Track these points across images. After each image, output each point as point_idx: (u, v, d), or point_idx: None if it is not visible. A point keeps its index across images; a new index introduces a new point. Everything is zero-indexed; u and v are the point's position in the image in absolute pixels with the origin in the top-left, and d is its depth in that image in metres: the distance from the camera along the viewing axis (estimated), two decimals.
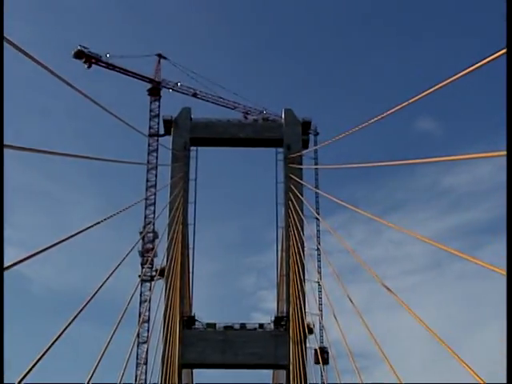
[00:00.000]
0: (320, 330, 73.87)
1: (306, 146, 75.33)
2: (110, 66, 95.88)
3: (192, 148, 74.02)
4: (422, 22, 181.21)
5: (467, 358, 24.41)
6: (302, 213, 66.71)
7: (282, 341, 67.02)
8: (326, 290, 55.26)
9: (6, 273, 20.04)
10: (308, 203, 66.63)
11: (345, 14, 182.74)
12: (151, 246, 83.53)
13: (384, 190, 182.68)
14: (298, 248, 64.99)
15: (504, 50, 18.17)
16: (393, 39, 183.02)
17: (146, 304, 78.70)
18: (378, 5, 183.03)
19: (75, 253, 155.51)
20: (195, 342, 67.16)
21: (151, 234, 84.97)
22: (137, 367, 77.59)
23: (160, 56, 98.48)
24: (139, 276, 77.33)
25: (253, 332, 68.66)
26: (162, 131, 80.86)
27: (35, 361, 23.13)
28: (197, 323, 69.04)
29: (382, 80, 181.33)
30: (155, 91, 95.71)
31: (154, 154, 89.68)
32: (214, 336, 67.78)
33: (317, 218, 69.24)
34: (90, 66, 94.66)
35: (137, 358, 78.88)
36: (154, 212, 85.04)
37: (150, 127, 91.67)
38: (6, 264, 20.37)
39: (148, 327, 78.25)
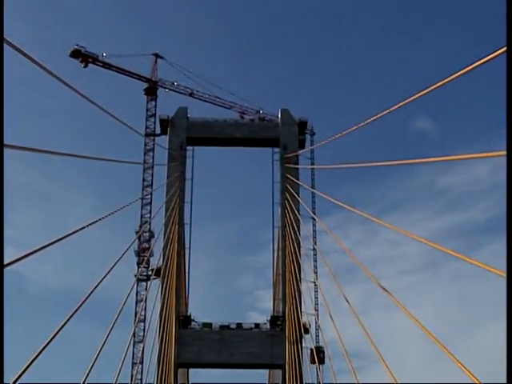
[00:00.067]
0: (316, 329, 73.93)
1: (302, 146, 75.46)
2: (107, 66, 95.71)
3: (188, 148, 74.16)
4: (422, 22, 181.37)
5: (463, 358, 24.47)
6: (299, 212, 66.76)
7: (277, 340, 67.05)
8: (322, 289, 55.25)
9: None
10: (304, 203, 66.73)
11: (344, 14, 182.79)
12: (147, 246, 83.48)
13: (381, 189, 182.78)
14: (294, 248, 65.04)
15: (502, 50, 18.17)
16: (393, 39, 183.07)
17: (142, 303, 78.49)
18: (378, 5, 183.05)
19: (72, 252, 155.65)
20: (191, 342, 67.20)
21: (147, 234, 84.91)
22: (132, 367, 77.47)
23: (157, 55, 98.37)
24: (135, 275, 77.21)
25: (249, 332, 68.70)
26: (158, 131, 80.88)
27: (30, 360, 23.13)
28: (193, 323, 69.04)
29: (381, 80, 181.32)
30: (152, 91, 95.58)
31: (151, 154, 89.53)
32: (210, 335, 67.82)
33: (313, 218, 69.23)
34: (86, 66, 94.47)
35: (133, 358, 78.79)
36: (150, 211, 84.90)
37: (147, 127, 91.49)
38: (5, 262, 20.42)
39: (144, 327, 78.03)
